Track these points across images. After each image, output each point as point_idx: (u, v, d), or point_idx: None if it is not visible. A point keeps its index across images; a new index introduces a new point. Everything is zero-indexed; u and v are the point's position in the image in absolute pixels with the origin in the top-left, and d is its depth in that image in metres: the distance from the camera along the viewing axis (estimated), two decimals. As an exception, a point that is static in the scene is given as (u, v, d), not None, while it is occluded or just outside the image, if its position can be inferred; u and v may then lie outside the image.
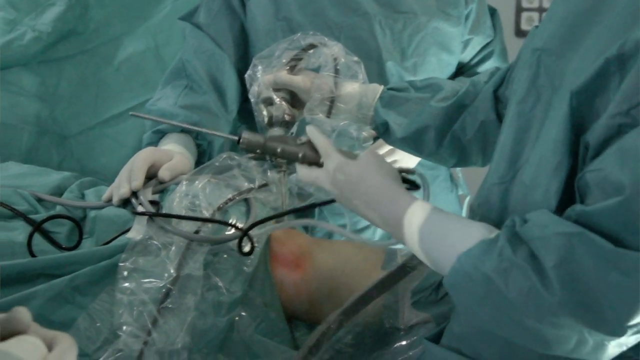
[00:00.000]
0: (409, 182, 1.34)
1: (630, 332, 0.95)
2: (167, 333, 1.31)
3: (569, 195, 1.02)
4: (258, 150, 1.47)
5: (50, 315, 1.31)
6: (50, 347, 0.81)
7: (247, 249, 1.40)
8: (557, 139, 1.02)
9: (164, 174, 1.56)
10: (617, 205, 0.92)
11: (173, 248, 1.39)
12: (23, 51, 1.98)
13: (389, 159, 1.79)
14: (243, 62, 1.84)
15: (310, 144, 1.39)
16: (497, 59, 1.95)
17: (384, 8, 1.80)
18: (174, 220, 1.44)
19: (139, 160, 1.56)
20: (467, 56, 1.93)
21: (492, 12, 1.95)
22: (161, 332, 1.31)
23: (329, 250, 1.51)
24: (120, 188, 1.52)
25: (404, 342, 1.38)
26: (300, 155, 1.40)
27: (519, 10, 3.47)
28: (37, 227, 1.44)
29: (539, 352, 1.04)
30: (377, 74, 1.78)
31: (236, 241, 1.40)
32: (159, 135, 1.71)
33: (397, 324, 1.41)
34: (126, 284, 1.34)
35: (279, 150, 1.44)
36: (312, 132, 1.39)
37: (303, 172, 1.38)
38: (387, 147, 1.78)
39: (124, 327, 1.30)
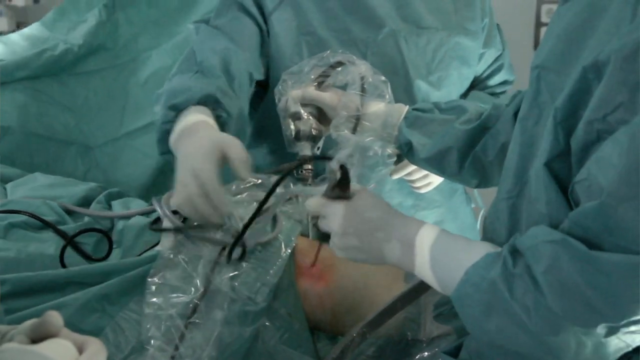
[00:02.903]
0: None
1: (628, 328, 0.98)
2: (193, 347, 1.32)
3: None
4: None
5: (79, 324, 1.32)
6: (80, 350, 0.83)
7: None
8: (547, 150, 1.06)
9: (244, 174, 1.44)
10: (595, 208, 0.95)
11: (201, 262, 1.41)
12: (54, 61, 2.02)
13: (417, 175, 1.84)
14: (254, 65, 1.80)
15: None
16: (506, 72, 1.99)
17: (408, 24, 1.81)
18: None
19: (214, 185, 1.41)
20: (480, 69, 1.96)
21: (497, 26, 1.98)
22: (188, 346, 1.32)
23: (352, 262, 1.49)
24: (209, 216, 1.42)
25: (425, 354, 1.41)
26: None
27: (539, 24, 3.43)
28: (70, 240, 1.47)
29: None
30: (404, 89, 1.80)
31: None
32: (175, 112, 1.54)
33: (419, 336, 1.43)
34: (154, 299, 1.35)
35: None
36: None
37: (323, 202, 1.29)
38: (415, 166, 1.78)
39: (152, 342, 1.32)
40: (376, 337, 1.42)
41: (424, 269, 1.17)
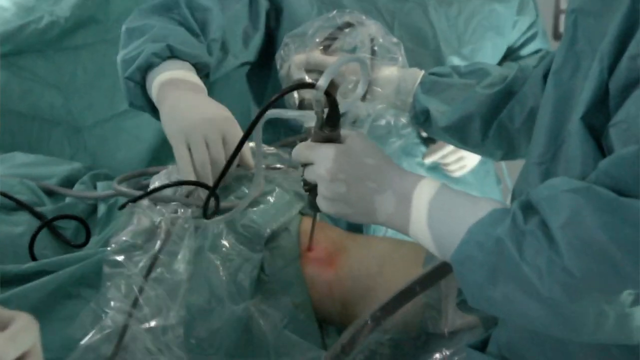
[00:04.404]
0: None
1: None
2: (158, 306, 1.21)
3: None
4: None
5: (50, 312, 1.22)
6: (4, 327, 0.75)
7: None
8: (585, 101, 0.93)
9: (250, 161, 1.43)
10: (631, 154, 0.84)
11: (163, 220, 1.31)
12: (39, 35, 1.91)
13: (452, 157, 1.75)
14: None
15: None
16: (540, 40, 1.86)
17: None
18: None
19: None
20: (512, 38, 1.82)
21: None
22: (151, 305, 1.21)
23: (365, 246, 1.40)
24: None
25: (447, 352, 1.28)
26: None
27: (557, 12, 3.29)
28: (40, 228, 1.34)
29: (560, 337, 0.95)
30: (435, 64, 1.67)
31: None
32: (169, 55, 1.46)
33: (440, 327, 1.30)
34: (115, 257, 1.25)
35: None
36: None
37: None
38: (449, 147, 1.71)
39: (112, 303, 1.21)
40: (392, 323, 1.27)
41: (419, 227, 1.03)
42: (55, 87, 1.93)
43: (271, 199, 1.40)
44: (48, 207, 1.42)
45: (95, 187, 1.53)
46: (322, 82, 1.07)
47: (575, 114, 0.95)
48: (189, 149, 1.35)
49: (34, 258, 1.31)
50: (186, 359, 1.21)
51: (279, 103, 1.47)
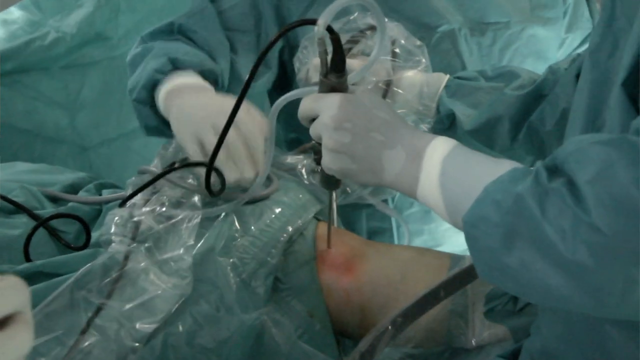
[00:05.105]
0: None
1: None
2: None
3: None
4: None
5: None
6: None
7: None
8: (626, 66, 0.85)
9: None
10: None
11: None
12: (44, 52, 1.86)
13: None
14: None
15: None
16: None
17: (469, 20, 1.60)
18: None
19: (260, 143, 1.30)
20: (558, 57, 1.69)
21: None
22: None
23: (385, 253, 1.30)
24: (243, 172, 1.28)
25: None
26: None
27: None
28: (36, 228, 1.26)
29: (582, 310, 0.84)
30: None
31: None
32: (172, 67, 1.41)
33: (466, 337, 1.20)
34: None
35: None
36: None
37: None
38: None
39: (113, 237, 1.18)
40: (414, 331, 1.18)
41: (430, 186, 0.94)
42: (61, 106, 1.89)
43: (286, 200, 1.32)
44: (47, 211, 1.33)
45: (100, 195, 1.44)
46: (323, 19, 0.96)
47: (615, 87, 0.87)
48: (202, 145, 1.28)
49: (28, 259, 1.23)
50: None
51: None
